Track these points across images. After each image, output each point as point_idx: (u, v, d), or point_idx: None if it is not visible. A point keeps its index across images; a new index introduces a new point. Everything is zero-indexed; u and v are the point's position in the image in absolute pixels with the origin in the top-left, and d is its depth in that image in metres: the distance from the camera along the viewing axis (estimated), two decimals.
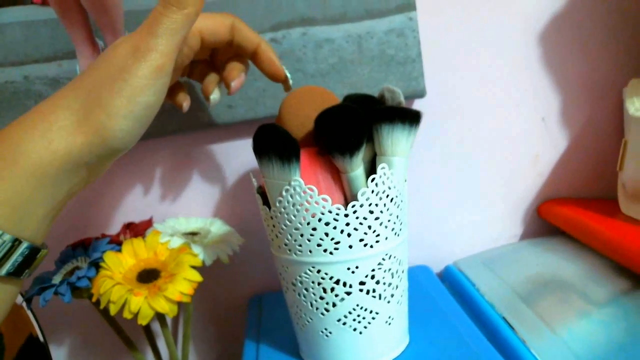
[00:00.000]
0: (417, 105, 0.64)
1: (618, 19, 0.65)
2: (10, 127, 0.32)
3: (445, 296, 0.56)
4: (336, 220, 0.39)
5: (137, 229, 0.60)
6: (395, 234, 0.42)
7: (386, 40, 0.59)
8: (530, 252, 0.63)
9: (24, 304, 0.48)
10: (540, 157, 0.68)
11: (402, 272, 0.44)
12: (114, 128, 0.32)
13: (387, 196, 0.40)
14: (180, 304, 0.65)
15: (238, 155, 0.64)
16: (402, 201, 0.43)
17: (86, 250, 0.55)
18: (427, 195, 0.67)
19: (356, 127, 0.39)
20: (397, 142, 0.40)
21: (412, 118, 0.41)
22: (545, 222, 0.67)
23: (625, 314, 0.46)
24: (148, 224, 0.61)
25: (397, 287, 0.44)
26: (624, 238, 0.53)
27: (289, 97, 0.46)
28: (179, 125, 0.60)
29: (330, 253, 0.40)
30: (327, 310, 0.42)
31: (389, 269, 0.42)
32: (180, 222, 0.60)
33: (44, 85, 0.57)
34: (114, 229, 0.65)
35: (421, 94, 0.61)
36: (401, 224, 0.43)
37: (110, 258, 0.51)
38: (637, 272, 0.50)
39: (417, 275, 0.62)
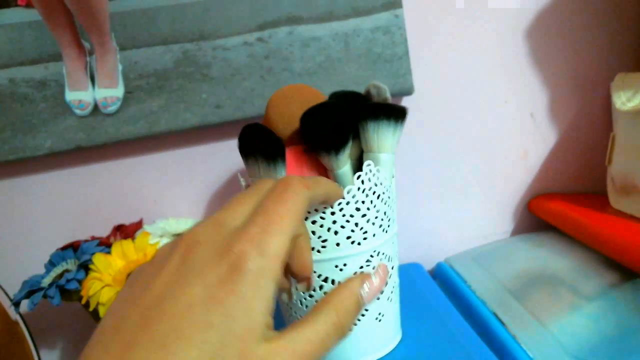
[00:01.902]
0: (405, 102, 0.64)
1: (604, 14, 0.65)
2: None
3: (436, 293, 0.56)
4: (322, 218, 0.39)
5: (127, 231, 0.60)
6: (383, 230, 0.42)
7: (373, 38, 0.59)
8: (521, 248, 0.63)
9: (12, 309, 0.48)
10: (529, 153, 0.68)
11: (392, 268, 0.44)
12: None
13: (374, 193, 0.40)
14: None
15: (227, 156, 0.64)
16: (389, 197, 0.42)
17: (76, 252, 0.55)
18: (417, 193, 0.67)
19: (341, 125, 0.39)
20: (383, 138, 0.40)
21: (397, 114, 0.41)
22: (536, 218, 0.68)
23: (614, 307, 0.46)
24: (138, 225, 0.60)
25: (386, 283, 0.43)
26: (613, 232, 0.53)
27: (274, 95, 0.45)
28: (167, 127, 0.60)
29: (318, 251, 0.40)
30: None
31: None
32: (169, 223, 0.60)
33: (30, 88, 0.57)
34: (105, 231, 0.64)
35: (409, 92, 0.61)
36: (389, 220, 0.43)
37: (99, 260, 0.51)
38: (626, 266, 0.50)
39: (409, 272, 0.62)
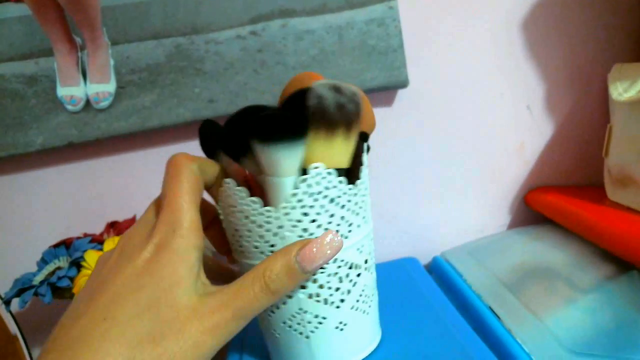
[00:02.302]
0: (400, 95, 0.63)
1: (601, 6, 0.64)
2: None
3: (432, 288, 0.56)
4: (268, 222, 0.36)
5: (120, 228, 0.59)
6: (342, 236, 0.38)
7: (367, 30, 0.58)
8: (517, 241, 0.63)
9: (3, 307, 0.48)
10: (525, 146, 0.67)
11: (358, 276, 0.40)
12: None
13: (325, 197, 0.37)
14: None
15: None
16: (349, 201, 0.38)
17: (68, 250, 0.54)
18: (413, 187, 0.66)
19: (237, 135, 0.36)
20: (273, 161, 0.35)
21: (289, 131, 0.35)
22: (532, 211, 0.67)
23: (610, 299, 0.46)
24: (131, 222, 0.60)
25: (348, 292, 0.40)
26: (610, 224, 0.53)
27: (287, 83, 0.44)
28: (160, 122, 0.59)
29: (267, 256, 0.37)
30: (272, 312, 0.40)
31: (335, 273, 0.39)
32: None
33: (21, 84, 0.56)
34: (99, 228, 0.64)
35: (403, 84, 0.60)
36: (349, 225, 0.39)
37: (91, 257, 0.51)
38: (622, 258, 0.49)
39: (404, 267, 0.61)
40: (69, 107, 0.59)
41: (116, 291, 0.29)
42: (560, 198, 0.62)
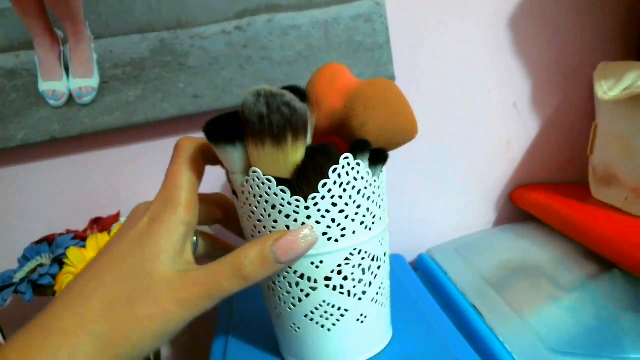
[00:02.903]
0: None
1: (588, 3, 0.64)
2: (29, 345, 0.30)
3: (417, 286, 0.56)
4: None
5: (104, 224, 0.59)
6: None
7: (354, 26, 0.58)
8: (503, 239, 0.63)
9: None
10: (512, 143, 0.67)
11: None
12: (134, 356, 0.32)
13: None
14: None
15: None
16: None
17: (51, 246, 0.54)
18: (399, 183, 0.66)
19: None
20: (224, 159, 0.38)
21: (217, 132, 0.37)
22: (519, 208, 0.67)
23: (593, 298, 0.46)
24: (115, 218, 0.59)
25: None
26: (593, 223, 0.53)
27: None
28: (145, 117, 0.59)
29: None
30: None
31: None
32: None
33: (1, 77, 0.55)
34: (83, 224, 0.63)
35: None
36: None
37: (73, 254, 0.50)
38: (604, 257, 0.50)
39: (390, 264, 0.61)
40: (51, 102, 0.58)
41: (111, 256, 0.33)
42: (546, 196, 0.62)
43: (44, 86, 0.57)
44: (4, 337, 0.48)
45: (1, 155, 0.60)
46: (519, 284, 0.52)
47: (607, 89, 0.55)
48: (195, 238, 0.41)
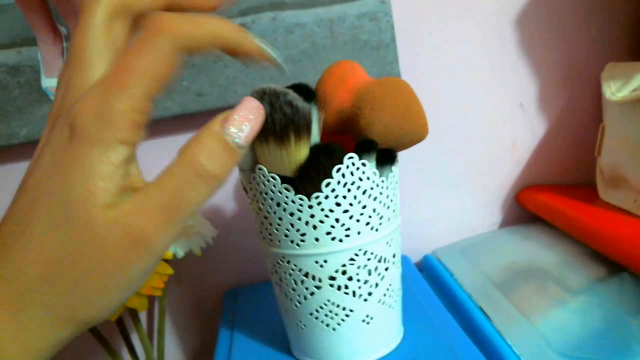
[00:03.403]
0: None
1: (594, 3, 0.64)
2: None
3: (422, 287, 0.55)
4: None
5: None
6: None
7: (359, 24, 0.57)
8: (509, 241, 0.62)
9: None
10: (518, 144, 0.67)
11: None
12: (104, 315, 0.26)
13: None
14: (154, 298, 0.64)
15: None
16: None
17: None
18: (404, 185, 0.65)
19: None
20: None
21: None
22: (525, 210, 0.67)
23: (600, 301, 0.46)
24: None
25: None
26: (601, 225, 0.52)
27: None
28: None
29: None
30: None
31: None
32: None
33: (3, 74, 0.55)
34: None
35: None
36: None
37: None
38: (613, 259, 0.49)
39: None
40: (54, 98, 0.57)
41: (34, 195, 0.24)
42: (552, 197, 0.61)
43: (46, 83, 0.57)
44: None
45: (5, 152, 0.59)
46: (525, 286, 0.51)
47: (615, 90, 0.54)
48: None
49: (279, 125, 0.34)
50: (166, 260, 0.53)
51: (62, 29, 0.57)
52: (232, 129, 0.25)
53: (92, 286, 0.24)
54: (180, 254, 0.52)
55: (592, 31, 0.64)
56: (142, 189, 0.24)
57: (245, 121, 0.25)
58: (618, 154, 0.55)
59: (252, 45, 0.28)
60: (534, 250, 0.58)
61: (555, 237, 0.58)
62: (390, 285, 0.42)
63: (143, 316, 0.66)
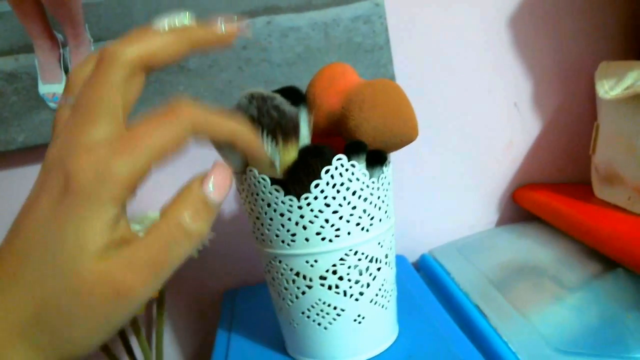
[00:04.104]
0: None
1: (589, 3, 0.64)
2: None
3: (419, 286, 0.56)
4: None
5: None
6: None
7: (353, 27, 0.58)
8: (505, 239, 0.63)
9: None
10: (513, 143, 0.67)
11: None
12: (86, 353, 0.27)
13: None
14: (152, 301, 0.64)
15: (205, 148, 0.62)
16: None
17: None
18: (401, 184, 0.66)
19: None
20: None
21: None
22: (521, 208, 0.67)
23: (596, 297, 0.46)
24: None
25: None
26: (596, 222, 0.52)
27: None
28: None
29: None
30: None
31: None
32: (148, 217, 0.59)
33: (1, 81, 0.55)
34: None
35: None
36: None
37: None
38: (608, 256, 0.49)
39: None
40: (51, 104, 0.58)
41: (28, 240, 0.25)
42: (548, 195, 0.62)
43: (44, 89, 0.57)
44: None
45: (2, 158, 0.60)
46: (522, 284, 0.52)
47: (609, 88, 0.54)
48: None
49: (267, 129, 0.35)
50: None
51: (59, 36, 0.57)
52: (210, 189, 0.27)
53: (77, 329, 0.25)
54: None
55: (585, 30, 0.65)
56: (131, 243, 0.25)
57: (219, 181, 0.27)
58: (612, 151, 0.56)
59: (262, 155, 0.33)
60: (530, 248, 0.58)
61: (551, 235, 0.59)
62: (382, 285, 0.42)
63: (141, 319, 0.66)
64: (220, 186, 0.27)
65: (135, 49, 0.26)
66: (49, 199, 0.24)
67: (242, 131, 0.29)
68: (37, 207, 0.25)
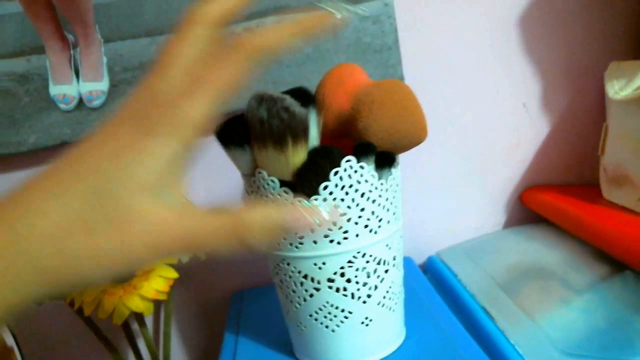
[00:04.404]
0: None
1: (598, 3, 0.64)
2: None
3: (427, 288, 0.56)
4: None
5: None
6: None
7: (362, 27, 0.58)
8: (513, 241, 0.63)
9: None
10: (522, 144, 0.67)
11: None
12: (77, 287, 0.27)
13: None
14: (160, 302, 0.64)
15: (211, 149, 0.63)
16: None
17: None
18: (408, 185, 0.66)
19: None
20: None
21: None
22: (529, 210, 0.67)
23: (604, 300, 0.46)
24: None
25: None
26: (604, 224, 0.52)
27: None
28: None
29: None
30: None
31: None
32: None
33: (13, 82, 0.56)
34: None
35: None
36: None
37: None
38: (616, 258, 0.49)
39: None
40: (62, 105, 0.58)
41: (79, 168, 0.25)
42: (556, 197, 0.62)
43: (54, 90, 0.58)
44: (20, 351, 0.48)
45: (13, 160, 0.60)
46: (529, 286, 0.52)
47: (619, 89, 0.54)
48: None
49: (277, 131, 0.35)
50: (171, 265, 0.53)
51: (70, 37, 0.58)
52: (294, 224, 0.27)
53: (90, 261, 0.25)
54: (184, 258, 0.53)
55: (595, 30, 0.65)
56: (182, 212, 0.26)
57: (306, 225, 0.27)
58: (621, 152, 0.56)
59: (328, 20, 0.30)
60: (537, 250, 0.58)
61: (558, 237, 0.58)
62: (390, 287, 0.42)
63: (149, 320, 0.66)
64: (300, 225, 0.27)
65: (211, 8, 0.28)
66: (117, 141, 0.25)
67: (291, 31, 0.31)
68: (105, 143, 0.25)
